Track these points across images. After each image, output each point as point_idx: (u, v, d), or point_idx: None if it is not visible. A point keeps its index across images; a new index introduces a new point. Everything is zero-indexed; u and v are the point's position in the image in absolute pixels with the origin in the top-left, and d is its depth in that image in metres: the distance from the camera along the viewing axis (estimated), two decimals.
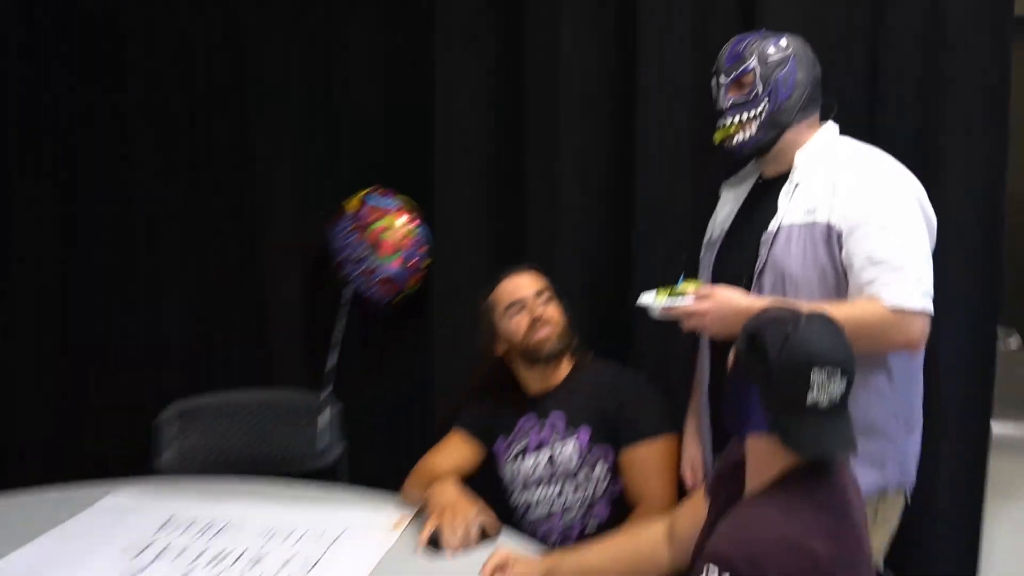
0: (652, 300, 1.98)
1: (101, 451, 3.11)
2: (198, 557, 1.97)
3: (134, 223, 3.22)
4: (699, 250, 2.28)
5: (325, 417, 2.91)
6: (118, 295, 3.26)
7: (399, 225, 2.83)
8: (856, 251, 1.89)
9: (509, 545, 1.98)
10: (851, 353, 1.49)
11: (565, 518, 2.32)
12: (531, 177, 2.84)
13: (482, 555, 1.86)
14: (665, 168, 2.64)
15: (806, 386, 1.43)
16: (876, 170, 1.96)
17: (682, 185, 2.62)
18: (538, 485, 2.34)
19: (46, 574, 1.92)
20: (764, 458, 1.53)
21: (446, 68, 2.85)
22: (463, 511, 2.04)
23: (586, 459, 2.28)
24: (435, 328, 2.97)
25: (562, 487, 2.31)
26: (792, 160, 2.04)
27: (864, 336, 1.72)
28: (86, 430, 3.27)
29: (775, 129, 2.02)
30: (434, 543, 1.97)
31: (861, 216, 1.89)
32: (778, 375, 1.46)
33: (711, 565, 1.41)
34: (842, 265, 1.93)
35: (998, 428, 2.46)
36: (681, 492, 2.24)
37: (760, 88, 2.01)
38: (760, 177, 2.18)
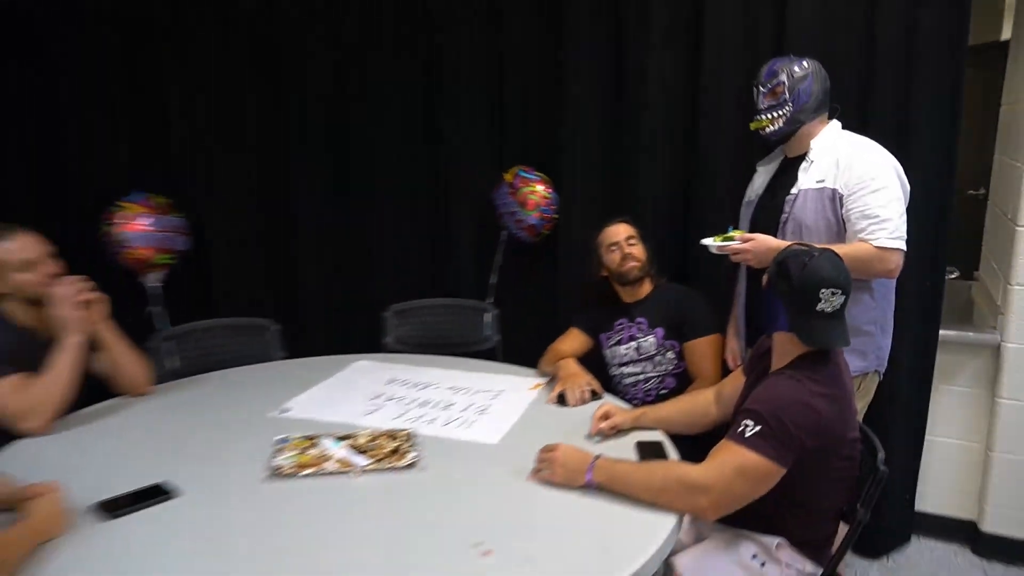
0: (711, 242, 2.22)
1: (349, 334, 3.31)
2: (411, 402, 2.28)
3: (389, 188, 3.46)
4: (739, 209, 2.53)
5: (488, 316, 3.25)
6: (375, 234, 3.51)
7: (539, 191, 3.05)
8: (853, 208, 2.12)
9: (610, 401, 2.23)
10: (849, 277, 1.67)
11: (646, 386, 2.59)
12: (624, 160, 3.04)
13: (592, 407, 2.10)
14: (719, 152, 2.84)
15: (816, 299, 1.63)
16: (866, 152, 2.17)
17: (729, 163, 2.82)
18: (628, 364, 2.61)
19: (324, 404, 2.27)
20: (785, 347, 1.73)
21: (569, 71, 3.07)
22: (580, 379, 2.31)
23: (661, 348, 2.54)
24: (560, 259, 3.25)
25: (644, 366, 2.58)
26: (808, 145, 2.27)
27: (858, 267, 1.96)
28: (345, 318, 3.53)
29: (795, 124, 2.25)
30: (561, 400, 2.24)
31: (856, 184, 2.12)
32: (797, 291, 1.65)
33: (747, 419, 1.61)
34: (842, 218, 2.15)
35: (942, 332, 2.70)
36: (724, 372, 2.47)
37: (787, 96, 2.23)
38: (784, 157, 2.40)
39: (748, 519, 1.75)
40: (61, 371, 2.11)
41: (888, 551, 2.93)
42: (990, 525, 2.86)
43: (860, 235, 2.11)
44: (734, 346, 2.56)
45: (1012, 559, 2.83)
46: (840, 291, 1.64)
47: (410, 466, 1.84)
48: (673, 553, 1.64)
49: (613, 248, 2.54)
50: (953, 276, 2.80)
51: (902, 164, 2.19)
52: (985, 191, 3.42)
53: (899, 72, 2.54)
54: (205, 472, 1.83)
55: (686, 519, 1.71)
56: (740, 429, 1.61)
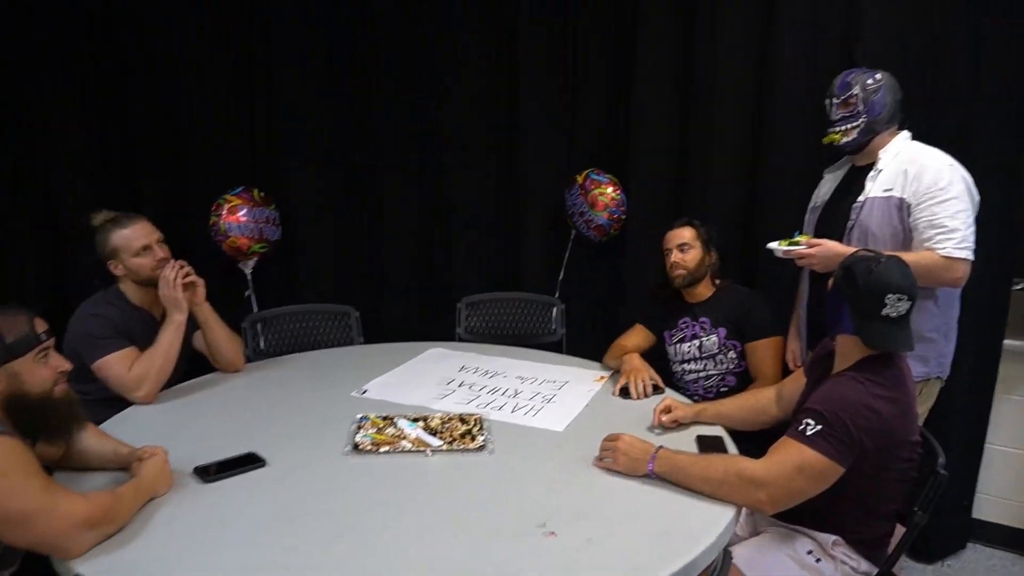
0: (776, 245, 2.18)
1: (425, 323, 3.49)
2: (480, 388, 2.30)
3: (469, 186, 3.49)
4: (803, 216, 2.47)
5: (556, 311, 3.24)
6: (454, 230, 3.55)
7: (609, 192, 3.05)
8: (921, 218, 2.06)
9: (672, 396, 2.22)
10: (915, 283, 1.63)
11: (707, 383, 2.55)
12: (693, 165, 3.02)
13: (654, 401, 2.08)
14: (785, 158, 2.79)
15: (882, 304, 1.60)
16: (935, 162, 2.10)
17: (795, 169, 2.76)
18: (690, 361, 2.57)
19: (399, 387, 2.30)
20: (848, 350, 1.70)
21: (641, 79, 3.06)
22: (643, 373, 2.30)
23: (722, 347, 2.50)
24: (627, 259, 3.24)
25: (705, 364, 2.54)
26: (877, 155, 2.20)
27: (923, 275, 1.91)
28: (421, 308, 3.64)
29: (868, 135, 2.20)
30: (624, 392, 2.23)
31: (924, 194, 2.06)
32: (863, 295, 1.62)
33: (808, 418, 1.59)
34: (908, 227, 2.10)
35: (1006, 342, 2.61)
36: (784, 373, 2.41)
37: (860, 107, 2.18)
38: (852, 166, 2.34)
39: (805, 516, 1.72)
40: (166, 346, 2.20)
41: (943, 556, 2.83)
42: None
43: (927, 244, 2.05)
44: (795, 347, 2.52)
45: None
46: (906, 297, 1.61)
47: (480, 449, 1.86)
48: (729, 545, 1.62)
49: (667, 253, 2.54)
50: (1020, 287, 2.66)
51: (973, 174, 2.14)
52: None
53: (966, 82, 2.47)
54: (291, 444, 1.89)
55: (743, 513, 1.69)
56: (801, 427, 1.58)
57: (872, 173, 2.22)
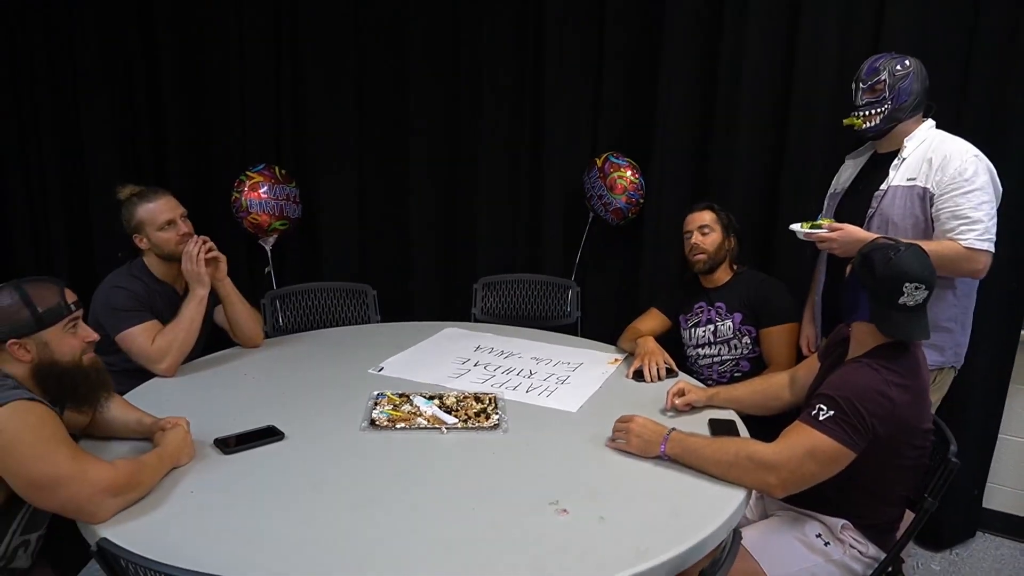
0: (799, 227, 2.17)
1: (449, 302, 3.53)
2: (496, 368, 2.32)
3: (491, 167, 3.45)
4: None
5: (571, 293, 3.26)
6: (475, 210, 3.51)
7: (628, 176, 3.03)
8: (944, 208, 2.05)
9: (686, 379, 2.21)
10: (933, 273, 1.62)
11: (720, 368, 2.56)
12: (714, 149, 3.00)
13: (668, 384, 2.10)
14: (808, 143, 2.77)
15: (899, 293, 1.59)
16: (960, 152, 2.07)
17: (818, 155, 2.74)
18: (704, 346, 2.58)
19: (416, 366, 2.33)
20: (864, 337, 1.69)
21: (665, 62, 3.04)
22: (658, 356, 2.31)
23: (737, 333, 2.50)
24: (644, 243, 3.20)
25: (720, 349, 2.55)
26: (901, 142, 2.18)
27: (944, 265, 1.92)
28: (438, 288, 3.62)
29: (892, 122, 2.18)
30: (638, 375, 2.25)
31: (949, 184, 2.04)
32: (880, 283, 1.61)
33: (821, 403, 1.59)
34: (930, 217, 2.08)
35: (1023, 333, 2.59)
36: (797, 360, 2.40)
37: (887, 93, 2.15)
38: (875, 152, 2.32)
39: (814, 500, 1.73)
40: (188, 321, 2.24)
41: (952, 545, 2.83)
42: None
43: (949, 235, 2.04)
44: (809, 332, 2.51)
45: None
46: (924, 286, 1.60)
47: (494, 427, 1.88)
48: (739, 527, 1.62)
49: (687, 236, 2.54)
50: None
51: (994, 165, 2.11)
52: None
53: (996, 72, 2.44)
54: (309, 419, 1.92)
55: (753, 496, 1.70)
56: (814, 412, 1.59)
57: (896, 161, 2.20)
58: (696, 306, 2.62)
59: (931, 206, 2.10)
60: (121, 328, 2.19)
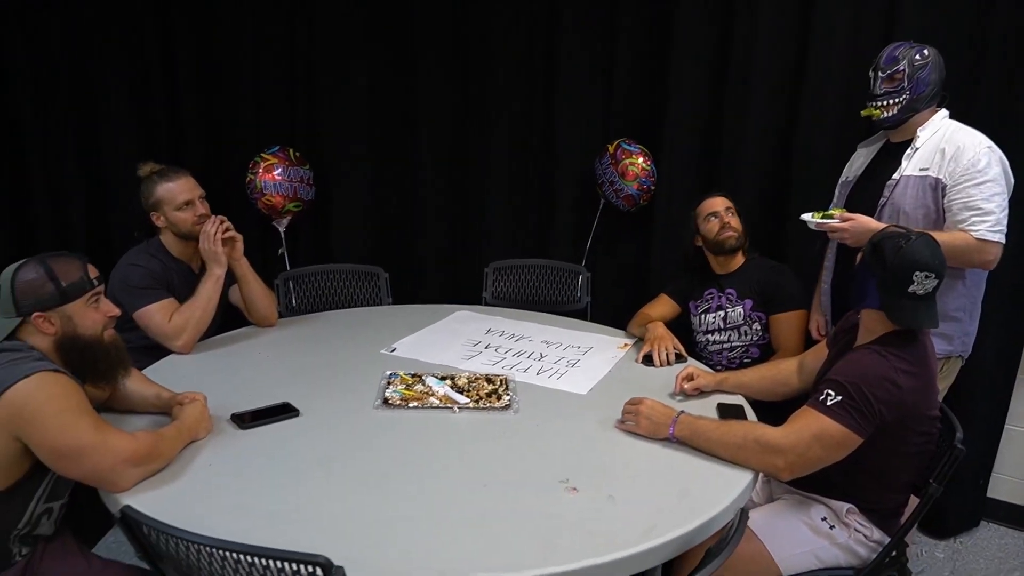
0: (810, 217, 2.18)
1: (459, 286, 3.54)
2: (506, 351, 2.35)
3: (502, 152, 3.47)
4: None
5: (582, 279, 3.27)
6: (486, 195, 3.54)
7: (639, 163, 3.05)
8: (956, 199, 2.05)
9: (695, 364, 2.25)
10: (944, 262, 1.62)
11: (730, 355, 2.57)
12: (726, 137, 3.00)
13: (677, 369, 2.14)
14: (819, 131, 2.77)
15: (909, 281, 1.59)
16: (974, 143, 2.07)
17: (829, 143, 2.75)
18: (714, 332, 2.59)
19: (427, 347, 2.35)
20: (873, 324, 1.70)
21: (677, 50, 3.05)
22: (667, 341, 2.32)
23: (748, 319, 2.51)
24: (655, 230, 3.23)
25: (730, 335, 2.56)
26: (914, 132, 2.19)
27: (955, 255, 1.93)
28: (450, 272, 3.64)
29: (909, 112, 2.17)
30: (648, 360, 2.27)
31: (961, 175, 2.04)
32: (891, 272, 1.61)
33: (829, 388, 1.60)
34: (942, 207, 2.08)
35: None
36: (806, 345, 2.40)
37: (906, 83, 2.14)
38: (887, 141, 2.32)
39: (820, 484, 1.76)
40: (205, 299, 2.27)
41: (956, 533, 2.85)
42: None
43: (960, 225, 2.04)
44: (818, 318, 2.53)
45: None
46: (934, 275, 1.60)
47: (505, 408, 1.91)
48: (745, 508, 1.65)
49: (711, 218, 2.52)
50: None
51: (1008, 155, 2.12)
52: None
53: (1007, 62, 2.43)
54: (323, 397, 1.95)
55: (759, 480, 1.72)
56: (822, 397, 1.60)
57: (908, 151, 2.20)
58: (706, 292, 2.63)
59: (943, 196, 2.10)
60: (138, 305, 2.23)
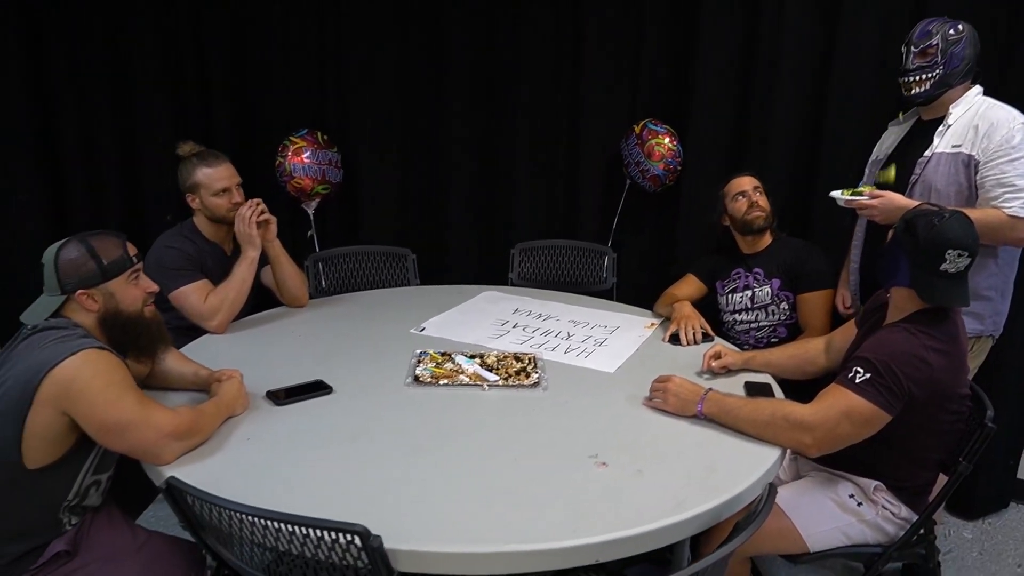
0: (839, 194, 2.16)
1: (486, 267, 3.55)
2: (534, 331, 2.37)
3: (529, 133, 3.46)
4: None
5: (607, 259, 3.28)
6: (514, 175, 3.53)
7: (666, 143, 3.05)
8: (989, 175, 2.03)
9: (722, 343, 2.25)
10: (977, 241, 1.60)
11: (757, 334, 2.58)
12: (753, 117, 2.99)
13: (704, 348, 2.14)
14: (849, 110, 2.76)
15: (941, 259, 1.58)
16: (1008, 120, 2.05)
17: (859, 121, 2.72)
18: (741, 312, 2.59)
19: (456, 326, 2.40)
20: (903, 302, 1.69)
21: (705, 29, 3.02)
22: (694, 321, 2.34)
23: (775, 299, 2.51)
24: (681, 210, 3.24)
25: (757, 315, 2.56)
26: (947, 109, 2.16)
27: (987, 233, 1.91)
28: (477, 253, 3.66)
29: (942, 88, 2.14)
30: (675, 339, 2.29)
31: (995, 151, 2.02)
32: (923, 250, 1.60)
33: (858, 366, 1.60)
34: (975, 184, 2.06)
35: None
36: (833, 324, 2.35)
37: (939, 58, 2.11)
38: (919, 119, 2.30)
39: (848, 461, 1.76)
40: (239, 281, 2.31)
41: (984, 514, 2.84)
42: None
43: (993, 202, 2.02)
44: (845, 292, 2.51)
45: None
46: (967, 254, 1.59)
47: (534, 385, 1.94)
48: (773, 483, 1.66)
49: (740, 197, 2.51)
50: None
51: None
52: None
53: None
54: (355, 375, 1.99)
55: (786, 458, 1.73)
56: (851, 375, 1.60)
57: (940, 128, 2.18)
58: (734, 272, 2.63)
59: (976, 173, 2.08)
60: (174, 287, 2.28)
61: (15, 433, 1.39)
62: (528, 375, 1.98)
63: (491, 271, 3.43)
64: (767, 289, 2.54)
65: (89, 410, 1.41)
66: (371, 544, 1.16)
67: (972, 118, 2.12)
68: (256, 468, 1.50)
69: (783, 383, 2.00)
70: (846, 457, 1.70)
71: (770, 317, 2.57)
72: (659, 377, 1.83)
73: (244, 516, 1.23)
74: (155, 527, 1.72)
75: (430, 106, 3.58)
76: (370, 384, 1.93)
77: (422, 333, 2.34)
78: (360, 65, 3.54)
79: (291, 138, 3.32)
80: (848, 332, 1.99)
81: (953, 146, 2.13)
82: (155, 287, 1.67)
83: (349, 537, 1.17)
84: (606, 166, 3.36)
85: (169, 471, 1.43)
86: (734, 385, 1.95)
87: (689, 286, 2.67)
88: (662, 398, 1.77)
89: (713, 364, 2.02)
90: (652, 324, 2.47)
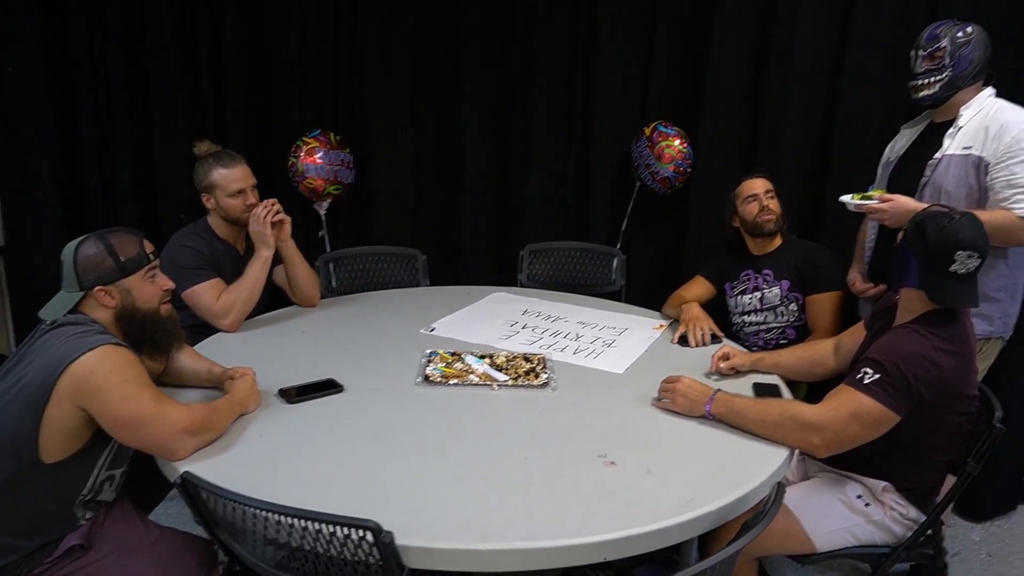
0: (849, 199, 2.16)
1: (495, 268, 3.55)
2: (543, 331, 2.37)
3: (541, 134, 3.47)
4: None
5: (616, 261, 3.28)
6: (526, 177, 3.51)
7: (676, 145, 3.05)
8: (998, 177, 2.03)
9: (730, 344, 2.26)
10: (987, 242, 1.60)
11: (767, 336, 2.58)
12: (763, 122, 2.98)
13: (712, 349, 2.15)
14: (861, 113, 2.76)
15: (951, 260, 1.58)
16: (1018, 121, 2.05)
17: (871, 124, 2.72)
18: (751, 313, 2.60)
19: (466, 326, 2.40)
20: (912, 303, 1.69)
21: (716, 34, 3.04)
22: (703, 322, 2.34)
23: (784, 300, 2.51)
24: (691, 212, 3.24)
25: (766, 316, 2.56)
26: (958, 111, 2.16)
27: (997, 234, 1.90)
28: (485, 258, 3.65)
29: (951, 90, 2.14)
30: (683, 340, 2.29)
31: (1005, 153, 2.02)
32: (932, 251, 1.60)
33: (867, 367, 1.60)
34: (985, 186, 2.06)
35: None
36: (842, 327, 2.32)
37: (947, 60, 2.12)
38: (931, 122, 2.30)
39: (856, 462, 1.76)
40: (253, 280, 2.33)
41: (993, 516, 2.83)
42: None
43: (1003, 204, 2.01)
44: (854, 276, 2.48)
45: None
46: (977, 255, 1.59)
47: (544, 385, 1.94)
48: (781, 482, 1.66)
49: (751, 200, 2.51)
50: None
51: None
52: None
53: None
54: (366, 374, 2.00)
55: (794, 458, 1.73)
56: (859, 376, 1.60)
57: (951, 130, 2.18)
58: (743, 273, 2.63)
59: (986, 175, 2.08)
60: (187, 285, 2.29)
61: (32, 427, 1.40)
62: (537, 375, 1.99)
63: (500, 272, 3.44)
64: (776, 290, 2.54)
65: (106, 405, 1.42)
66: (383, 540, 1.17)
67: (983, 120, 2.12)
68: (268, 465, 1.51)
69: (791, 385, 2.02)
70: (854, 458, 1.70)
71: (779, 318, 2.57)
72: (668, 377, 1.83)
73: (257, 511, 1.24)
74: (166, 524, 1.73)
75: (442, 108, 3.60)
76: (381, 383, 1.94)
77: (432, 333, 2.34)
78: (374, 66, 3.56)
79: (304, 138, 3.34)
80: (857, 334, 1.99)
81: (963, 148, 2.13)
82: (171, 284, 1.68)
83: (361, 533, 1.18)
84: (616, 168, 3.36)
85: (183, 466, 1.44)
86: (742, 386, 1.95)
87: (698, 287, 2.66)
88: (671, 398, 1.77)
89: (721, 365, 2.01)
90: (661, 325, 2.46)
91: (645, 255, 3.41)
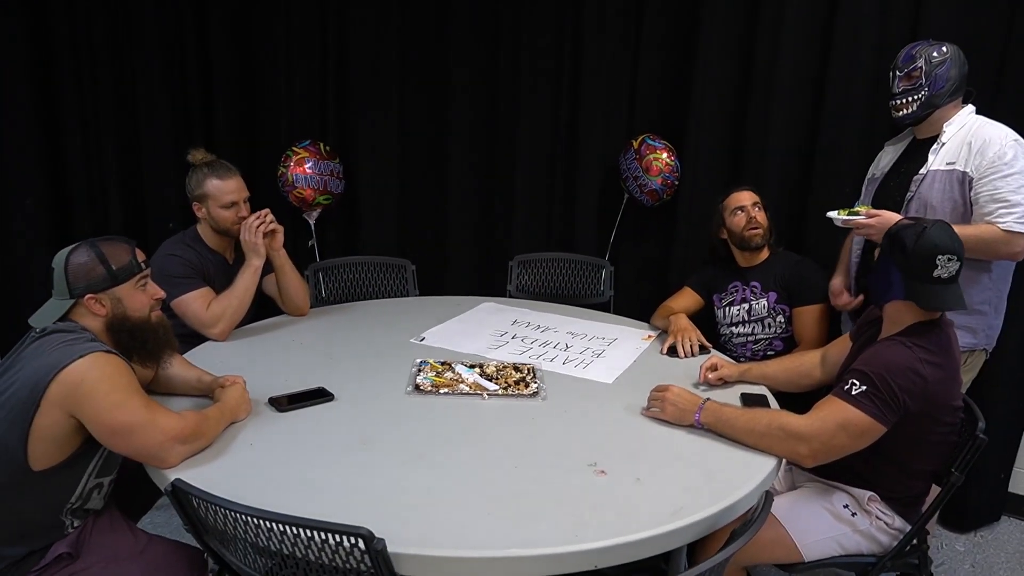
0: (836, 214, 2.19)
1: (484, 279, 3.59)
2: (532, 341, 2.38)
3: (528, 147, 3.49)
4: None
5: (605, 272, 3.30)
6: (513, 189, 3.55)
7: (664, 158, 3.07)
8: (982, 192, 2.06)
9: (718, 356, 2.26)
10: (962, 245, 1.64)
11: (754, 347, 2.60)
12: (750, 135, 3.02)
13: (701, 360, 2.17)
14: (844, 130, 2.79)
15: (933, 266, 1.61)
16: (999, 137, 2.08)
17: (854, 141, 2.76)
18: (739, 325, 2.62)
19: (455, 336, 2.41)
20: (898, 316, 1.71)
21: (702, 49, 3.07)
22: (691, 333, 2.35)
23: (772, 312, 2.54)
24: (678, 225, 3.25)
25: (754, 328, 2.58)
26: (940, 127, 2.20)
27: (982, 248, 1.97)
28: (474, 265, 3.67)
29: (929, 108, 2.19)
30: (672, 351, 2.30)
31: (988, 168, 2.05)
32: (914, 260, 1.63)
33: (854, 378, 1.62)
34: (969, 201, 2.09)
35: None
36: (828, 339, 2.38)
37: (924, 80, 2.16)
38: (914, 139, 2.33)
39: (842, 472, 1.78)
40: (243, 289, 2.33)
41: (977, 527, 2.86)
42: None
43: (987, 218, 2.05)
44: (836, 283, 2.48)
45: None
46: (956, 257, 1.63)
47: (533, 395, 1.95)
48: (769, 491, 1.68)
49: (739, 212, 2.54)
50: None
51: None
52: None
53: None
54: (356, 383, 2.00)
55: (782, 468, 1.74)
56: (847, 387, 1.62)
57: (935, 146, 2.21)
58: (731, 285, 2.65)
59: (970, 190, 2.11)
60: (176, 294, 2.29)
61: (21, 435, 1.40)
62: (527, 385, 2.00)
63: (490, 283, 3.46)
64: (764, 302, 2.57)
65: (96, 412, 1.42)
66: (375, 547, 1.17)
67: (965, 136, 2.16)
68: (259, 473, 1.51)
69: (778, 396, 2.03)
70: (840, 468, 1.72)
71: (766, 330, 2.59)
72: (657, 386, 1.84)
73: (248, 518, 1.24)
74: (154, 533, 1.72)
75: (431, 120, 3.62)
76: (371, 392, 1.94)
77: (422, 343, 2.35)
78: (363, 76, 3.58)
79: (294, 148, 3.35)
80: (842, 346, 2.01)
81: (947, 163, 2.16)
82: (162, 293, 1.68)
83: (353, 540, 1.18)
84: (604, 180, 3.38)
85: (173, 474, 1.44)
86: (730, 396, 1.96)
87: (686, 299, 2.69)
88: (660, 407, 1.78)
89: (710, 376, 2.03)
90: (649, 336, 2.48)
91: (634, 266, 3.43)
